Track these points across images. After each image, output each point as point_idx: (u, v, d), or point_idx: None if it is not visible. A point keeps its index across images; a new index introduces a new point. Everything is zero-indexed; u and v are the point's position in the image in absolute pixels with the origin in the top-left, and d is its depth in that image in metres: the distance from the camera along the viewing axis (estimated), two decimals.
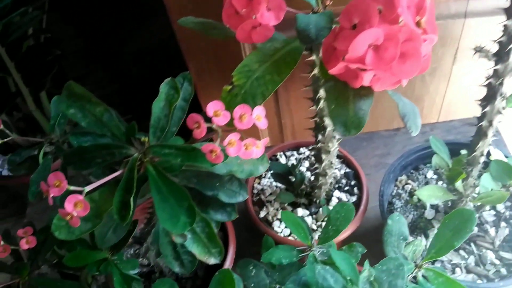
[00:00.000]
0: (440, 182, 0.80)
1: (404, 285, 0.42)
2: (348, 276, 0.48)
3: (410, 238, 0.56)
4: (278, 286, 0.59)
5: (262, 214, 0.83)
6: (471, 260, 0.71)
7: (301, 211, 0.82)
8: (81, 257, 0.56)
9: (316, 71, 0.53)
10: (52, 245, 0.59)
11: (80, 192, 0.37)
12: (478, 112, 0.59)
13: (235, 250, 0.79)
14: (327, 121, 0.60)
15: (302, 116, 0.97)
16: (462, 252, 0.72)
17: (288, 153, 0.91)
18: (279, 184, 0.86)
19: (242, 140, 0.35)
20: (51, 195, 0.35)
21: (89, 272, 0.57)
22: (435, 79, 0.93)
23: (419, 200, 0.79)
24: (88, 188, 0.37)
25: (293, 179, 0.83)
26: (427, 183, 0.81)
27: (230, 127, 0.47)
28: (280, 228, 0.81)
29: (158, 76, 0.46)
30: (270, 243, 0.62)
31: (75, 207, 0.35)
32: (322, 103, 0.57)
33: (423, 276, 0.51)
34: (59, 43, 1.26)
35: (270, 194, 0.86)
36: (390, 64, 0.38)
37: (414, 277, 0.52)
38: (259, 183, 0.88)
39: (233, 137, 0.35)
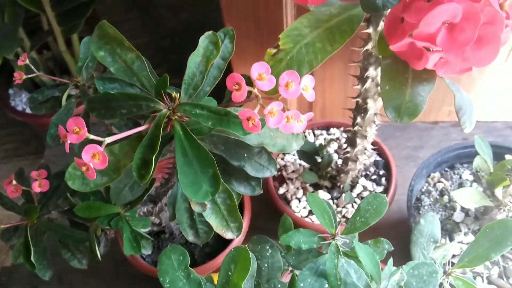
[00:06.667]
0: (475, 185, 0.75)
1: None
2: (370, 273, 0.45)
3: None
4: (291, 269, 0.56)
5: (282, 191, 0.79)
6: (495, 271, 0.67)
7: (322, 194, 0.78)
8: (93, 209, 0.54)
9: (370, 46, 0.48)
10: (65, 192, 0.57)
11: (100, 143, 0.34)
12: None
13: (249, 223, 0.76)
14: (370, 103, 0.55)
15: (335, 96, 0.91)
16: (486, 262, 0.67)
17: (317, 132, 0.87)
18: (303, 163, 0.82)
19: (284, 111, 0.31)
20: (68, 142, 0.32)
21: (99, 225, 0.55)
22: (483, 74, 0.86)
23: (450, 200, 0.75)
24: (109, 140, 0.34)
25: (319, 160, 0.79)
26: (461, 184, 0.76)
27: (270, 94, 0.43)
28: (298, 208, 0.78)
29: (192, 33, 0.41)
30: (288, 224, 0.59)
31: (93, 158, 0.32)
32: (369, 83, 0.52)
33: (451, 285, 0.47)
34: None
35: (293, 171, 0.82)
36: (463, 47, 0.33)
37: (440, 284, 0.48)
38: (282, 159, 0.84)
39: (275, 106, 0.31)
